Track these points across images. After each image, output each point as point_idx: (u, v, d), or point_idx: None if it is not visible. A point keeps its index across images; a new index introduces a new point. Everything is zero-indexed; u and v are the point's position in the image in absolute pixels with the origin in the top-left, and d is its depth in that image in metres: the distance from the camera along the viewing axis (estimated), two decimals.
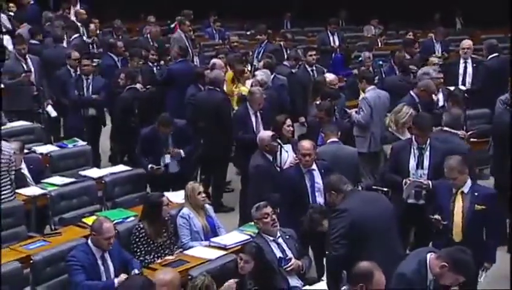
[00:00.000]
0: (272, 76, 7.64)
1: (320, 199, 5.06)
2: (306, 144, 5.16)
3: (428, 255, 3.57)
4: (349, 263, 3.65)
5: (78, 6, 11.15)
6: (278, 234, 4.67)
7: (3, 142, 5.36)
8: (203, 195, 5.17)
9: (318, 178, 5.10)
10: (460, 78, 8.01)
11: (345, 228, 4.03)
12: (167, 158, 6.19)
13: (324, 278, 4.40)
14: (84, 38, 10.09)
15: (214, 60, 8.00)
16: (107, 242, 4.40)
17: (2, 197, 5.21)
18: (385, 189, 5.19)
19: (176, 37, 9.88)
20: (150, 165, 6.06)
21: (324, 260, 4.48)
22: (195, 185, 5.21)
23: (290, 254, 4.59)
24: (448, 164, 4.57)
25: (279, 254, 4.57)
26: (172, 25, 11.28)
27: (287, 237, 4.67)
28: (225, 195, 7.06)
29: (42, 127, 7.51)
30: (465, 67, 8.03)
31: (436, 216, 4.53)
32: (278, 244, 4.62)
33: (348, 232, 4.02)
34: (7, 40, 9.01)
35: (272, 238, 4.62)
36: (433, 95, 6.87)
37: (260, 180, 5.45)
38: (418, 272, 3.55)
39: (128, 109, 7.17)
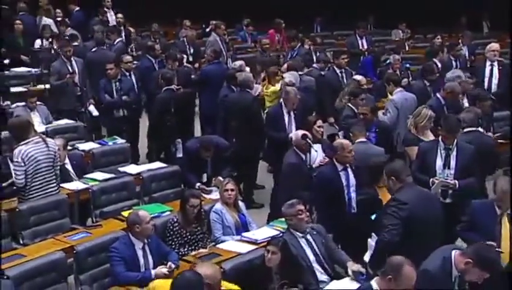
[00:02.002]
0: (299, 78, 7.64)
1: (354, 195, 5.07)
2: (347, 141, 5.22)
3: (453, 252, 3.54)
4: (395, 252, 3.64)
5: (112, 12, 11.36)
6: (307, 231, 4.67)
7: (49, 139, 5.48)
8: (230, 193, 5.19)
9: (351, 175, 5.12)
10: (487, 81, 7.89)
11: (403, 220, 4.01)
12: (204, 177, 6.13)
13: (350, 273, 4.37)
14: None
15: (238, 62, 8.06)
16: (150, 226, 4.44)
17: (48, 191, 5.33)
18: None
19: (211, 40, 9.97)
20: (198, 184, 5.94)
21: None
22: (223, 183, 5.27)
23: (319, 251, 4.58)
24: (500, 188, 4.25)
25: (308, 250, 4.56)
26: (208, 29, 11.37)
27: (315, 233, 4.66)
28: (256, 192, 7.08)
29: (84, 125, 7.64)
30: (491, 70, 7.90)
31: (490, 242, 4.08)
32: (307, 240, 4.60)
33: (403, 223, 4.00)
34: (55, 43, 9.23)
35: (301, 234, 4.61)
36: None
37: (292, 177, 5.44)
38: (442, 269, 3.51)
39: (165, 109, 7.25)
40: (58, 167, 5.47)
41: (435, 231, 4.11)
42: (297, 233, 4.61)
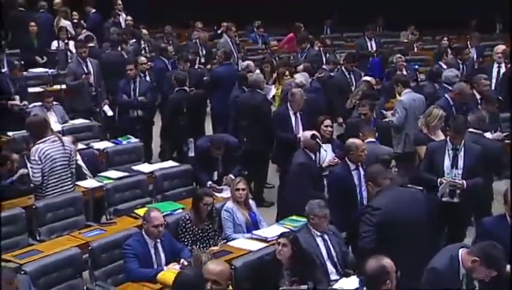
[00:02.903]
0: (310, 79, 7.64)
1: (365, 194, 5.03)
2: (360, 141, 5.22)
3: (460, 251, 3.52)
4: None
5: (124, 14, 11.45)
6: (325, 231, 4.65)
7: (65, 138, 5.51)
8: (241, 192, 5.20)
9: (363, 174, 5.10)
10: (494, 82, 7.84)
11: (374, 225, 4.00)
12: (215, 175, 6.14)
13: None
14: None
15: (245, 62, 8.07)
16: (156, 230, 4.47)
17: (64, 188, 5.37)
18: (419, 187, 5.13)
19: (222, 41, 10.00)
20: (209, 183, 5.96)
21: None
22: (235, 181, 5.27)
23: (333, 251, 4.59)
24: None
25: (323, 249, 4.56)
26: (220, 31, 11.41)
27: (331, 233, 4.66)
28: (266, 191, 7.09)
29: (99, 125, 7.69)
30: (499, 72, 7.87)
31: None
32: (324, 239, 4.61)
33: (376, 229, 3.99)
34: (71, 45, 9.31)
35: (319, 233, 4.61)
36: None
37: (301, 176, 5.46)
38: (450, 267, 3.49)
39: (177, 109, 7.28)
40: (74, 166, 5.51)
41: (419, 231, 4.04)
42: (316, 231, 4.61)
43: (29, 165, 5.30)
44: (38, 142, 5.23)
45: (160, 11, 12.66)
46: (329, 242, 4.59)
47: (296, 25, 11.37)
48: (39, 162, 5.18)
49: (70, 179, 5.42)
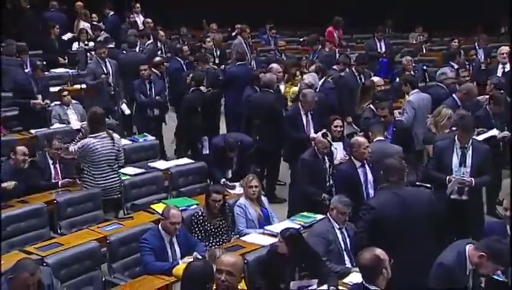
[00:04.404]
0: (322, 80, 7.62)
1: (371, 191, 5.06)
2: (363, 138, 5.23)
3: (467, 246, 3.50)
4: None
5: (141, 16, 11.49)
6: (344, 225, 4.67)
7: (115, 135, 5.64)
8: (254, 189, 5.20)
9: (369, 172, 5.12)
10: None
11: (368, 223, 4.00)
12: (229, 173, 6.17)
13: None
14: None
15: (272, 64, 8.07)
16: (173, 227, 4.49)
17: (109, 180, 5.49)
18: (428, 185, 5.11)
19: (236, 42, 10.00)
20: (223, 180, 5.96)
21: None
22: (248, 179, 5.27)
23: (349, 243, 4.59)
24: None
25: (341, 240, 4.58)
26: (234, 33, 11.41)
27: (349, 228, 4.66)
28: (278, 188, 7.09)
29: (117, 123, 7.73)
30: (503, 72, 7.86)
31: None
32: (342, 232, 4.62)
33: (370, 228, 3.98)
34: (91, 45, 9.39)
35: (338, 226, 4.63)
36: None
37: (304, 172, 5.49)
38: (457, 262, 3.48)
39: (192, 108, 7.30)
40: (122, 160, 5.66)
41: (419, 230, 3.98)
42: (336, 224, 4.63)
43: (73, 148, 5.48)
44: (91, 135, 5.44)
45: (176, 13, 12.70)
46: (346, 234, 4.62)
47: (335, 19, 11.05)
48: (78, 153, 5.41)
49: (116, 172, 5.57)
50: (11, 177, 5.41)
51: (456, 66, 8.28)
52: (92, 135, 5.43)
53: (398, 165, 4.22)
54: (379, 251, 3.28)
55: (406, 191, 4.21)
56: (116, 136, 5.63)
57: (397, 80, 8.07)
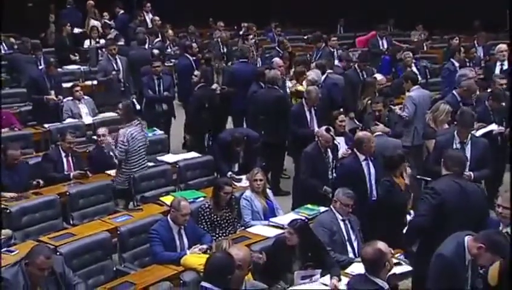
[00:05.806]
0: (324, 76, 7.60)
1: (374, 184, 5.05)
2: (370, 134, 5.23)
3: (466, 238, 3.48)
4: (425, 235, 3.68)
5: (150, 15, 11.49)
6: (347, 217, 4.67)
7: (143, 122, 5.89)
8: (259, 182, 5.21)
9: (372, 165, 5.11)
10: None
11: (433, 207, 3.93)
12: (236, 167, 6.18)
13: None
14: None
15: (273, 59, 8.05)
16: (184, 219, 4.50)
17: (143, 165, 5.77)
18: (429, 179, 5.10)
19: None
20: (229, 173, 5.98)
21: None
22: (253, 173, 5.28)
23: (352, 235, 4.61)
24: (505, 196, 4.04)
25: (344, 230, 4.59)
26: (241, 32, 11.39)
27: (353, 220, 4.68)
28: (282, 181, 7.09)
29: None
30: (501, 69, 7.82)
31: None
32: (345, 224, 4.63)
33: (434, 212, 3.93)
34: (102, 43, 9.41)
35: (341, 217, 4.63)
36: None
37: (305, 165, 5.50)
38: (456, 253, 3.46)
39: (200, 105, 7.30)
40: (147, 146, 5.88)
41: (473, 220, 3.92)
42: (339, 215, 4.64)
43: (111, 141, 5.79)
44: (127, 125, 5.62)
45: (184, 12, 12.70)
46: (349, 226, 4.63)
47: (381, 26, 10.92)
48: (126, 144, 5.58)
49: (145, 157, 5.84)
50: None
51: (456, 64, 8.24)
52: (128, 124, 5.61)
53: (462, 158, 4.23)
54: (381, 245, 3.28)
55: (466, 183, 4.19)
56: (143, 123, 5.82)
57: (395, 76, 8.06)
